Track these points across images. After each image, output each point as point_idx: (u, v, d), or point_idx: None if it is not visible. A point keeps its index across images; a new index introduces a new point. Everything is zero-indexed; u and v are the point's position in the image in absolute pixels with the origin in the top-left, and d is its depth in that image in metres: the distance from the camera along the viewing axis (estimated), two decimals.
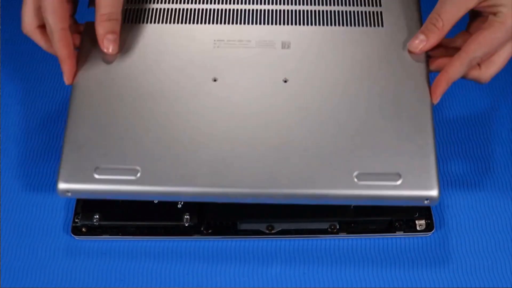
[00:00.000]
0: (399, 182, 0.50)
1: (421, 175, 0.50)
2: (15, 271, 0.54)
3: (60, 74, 0.67)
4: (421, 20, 0.57)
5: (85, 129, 0.53)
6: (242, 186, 0.50)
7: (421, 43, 0.54)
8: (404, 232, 0.55)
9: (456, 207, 0.57)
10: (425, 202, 0.50)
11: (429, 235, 0.55)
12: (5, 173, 0.60)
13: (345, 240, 0.55)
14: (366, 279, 0.53)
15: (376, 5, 0.59)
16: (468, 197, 0.58)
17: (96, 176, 0.51)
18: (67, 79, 0.56)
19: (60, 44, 0.54)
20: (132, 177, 0.50)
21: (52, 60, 0.70)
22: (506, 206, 0.57)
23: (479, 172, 0.60)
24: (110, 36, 0.55)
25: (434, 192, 0.49)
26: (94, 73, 0.55)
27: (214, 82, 0.54)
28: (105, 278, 0.53)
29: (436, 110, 0.63)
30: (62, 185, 0.51)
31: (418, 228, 0.55)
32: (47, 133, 0.63)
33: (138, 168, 0.50)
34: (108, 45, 0.55)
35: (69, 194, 0.51)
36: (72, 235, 0.55)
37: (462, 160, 0.61)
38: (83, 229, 0.54)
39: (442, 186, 0.59)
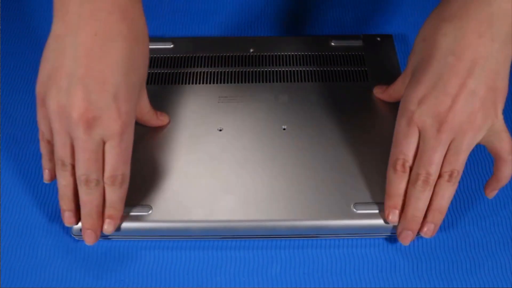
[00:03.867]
0: None
1: None
2: (15, 271, 0.54)
3: None
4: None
5: None
6: (249, 220, 0.54)
7: (379, 90, 0.62)
8: None
9: (456, 207, 0.57)
10: None
11: None
12: (5, 173, 0.60)
13: (345, 240, 0.55)
14: (366, 279, 0.53)
15: (362, 65, 0.66)
16: (468, 197, 0.58)
17: None
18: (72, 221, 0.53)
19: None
20: (145, 213, 0.54)
21: None
22: (506, 206, 0.57)
23: (479, 172, 0.60)
24: None
25: None
26: None
27: (220, 132, 0.60)
28: (105, 278, 0.53)
29: None
30: (78, 224, 0.54)
31: None
32: None
33: (151, 205, 0.54)
34: None
35: None
36: (72, 235, 0.55)
37: None
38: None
39: None
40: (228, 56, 0.67)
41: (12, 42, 0.72)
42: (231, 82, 0.64)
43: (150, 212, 0.54)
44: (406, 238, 0.53)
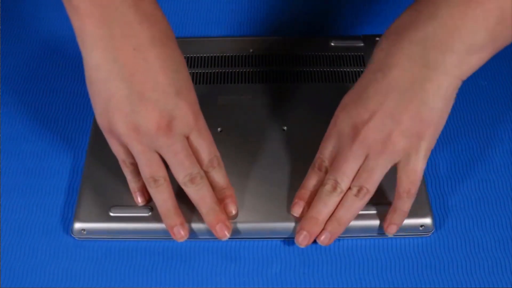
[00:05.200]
0: None
1: (415, 204, 0.53)
2: (15, 271, 0.54)
3: (60, 73, 0.68)
4: None
5: (101, 172, 0.57)
6: (249, 221, 0.54)
7: None
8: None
9: (456, 207, 0.57)
10: (421, 228, 0.54)
11: (429, 235, 0.55)
12: (5, 173, 0.60)
13: (345, 240, 0.55)
14: (366, 279, 0.53)
15: (362, 66, 0.66)
16: (468, 197, 0.58)
17: (111, 214, 0.54)
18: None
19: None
20: (145, 214, 0.54)
21: (52, 58, 0.70)
22: (506, 206, 0.57)
23: (479, 172, 0.60)
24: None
25: (428, 220, 0.54)
26: None
27: (220, 132, 0.60)
28: (105, 278, 0.53)
29: None
30: (78, 224, 0.54)
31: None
32: (48, 132, 0.63)
33: (150, 206, 0.54)
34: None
35: (85, 232, 0.54)
36: (72, 235, 0.55)
37: (462, 160, 0.61)
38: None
39: (443, 185, 0.59)
40: (228, 56, 0.67)
41: (12, 42, 0.72)
42: (231, 82, 0.64)
43: (150, 213, 0.54)
44: (302, 240, 0.52)
